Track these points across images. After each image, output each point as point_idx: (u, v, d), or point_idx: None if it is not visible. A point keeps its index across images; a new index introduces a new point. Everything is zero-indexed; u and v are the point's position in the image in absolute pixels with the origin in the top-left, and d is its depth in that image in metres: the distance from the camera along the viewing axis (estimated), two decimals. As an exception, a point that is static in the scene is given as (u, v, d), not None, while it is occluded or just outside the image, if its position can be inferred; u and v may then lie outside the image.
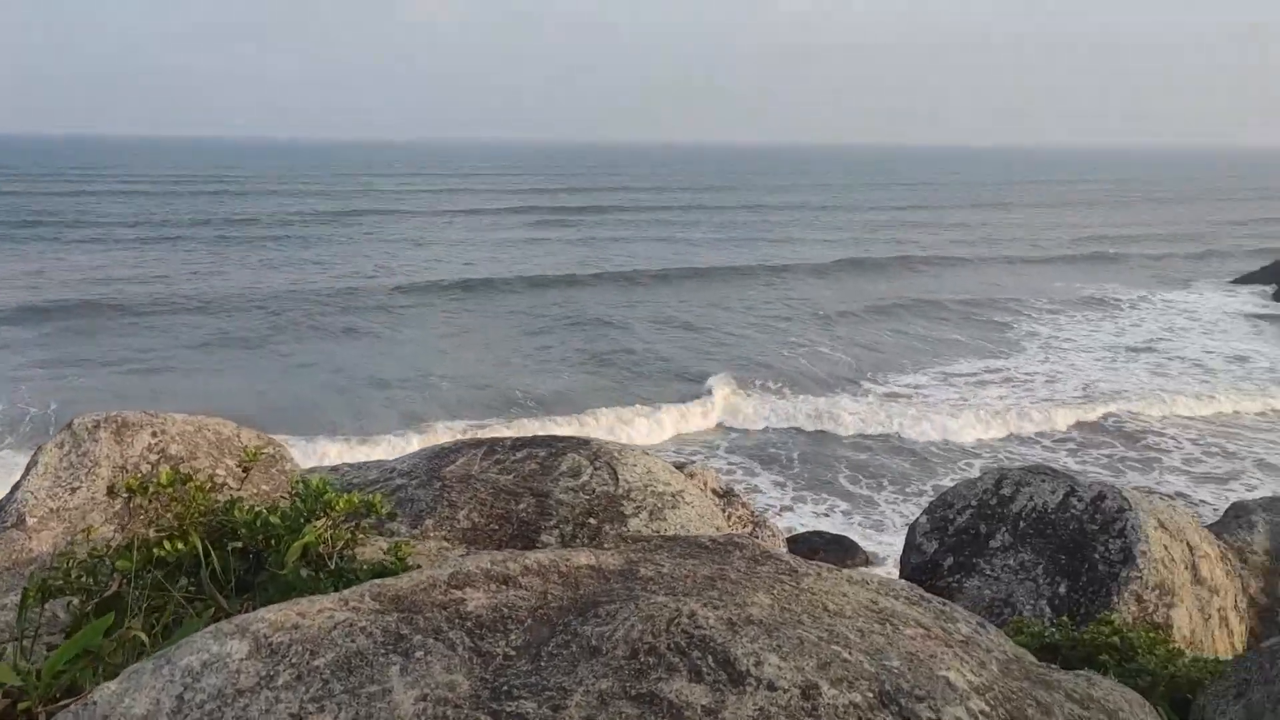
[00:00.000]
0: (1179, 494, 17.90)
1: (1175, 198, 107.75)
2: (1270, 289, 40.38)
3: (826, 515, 17.42)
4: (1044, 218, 78.45)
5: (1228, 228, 71.10)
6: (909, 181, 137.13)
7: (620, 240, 56.79)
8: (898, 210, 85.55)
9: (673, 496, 5.93)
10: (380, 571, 3.10)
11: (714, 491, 8.54)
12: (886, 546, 15.89)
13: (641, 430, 20.62)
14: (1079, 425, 21.82)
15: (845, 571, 2.93)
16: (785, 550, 8.79)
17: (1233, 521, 8.90)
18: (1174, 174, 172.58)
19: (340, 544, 3.24)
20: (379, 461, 7.14)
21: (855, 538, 16.18)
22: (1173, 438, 20.98)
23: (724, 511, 7.94)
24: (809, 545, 15.43)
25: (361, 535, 3.55)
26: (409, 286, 37.28)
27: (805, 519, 17.15)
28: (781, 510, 17.55)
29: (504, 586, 2.31)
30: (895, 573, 8.93)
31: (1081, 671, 2.60)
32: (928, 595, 2.97)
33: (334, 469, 6.69)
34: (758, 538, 8.03)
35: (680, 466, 8.27)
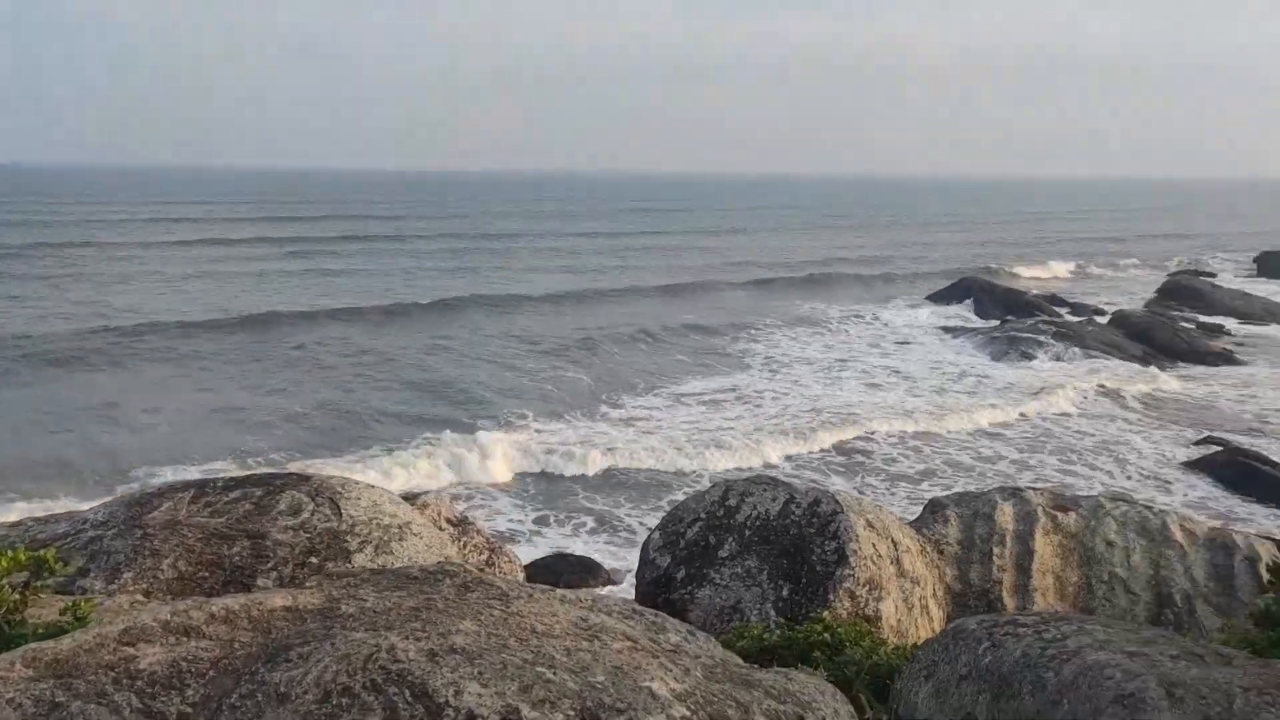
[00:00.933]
0: (888, 493, 19.44)
1: (875, 223, 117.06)
2: (964, 306, 44.70)
3: (574, 537, 17.56)
4: (764, 242, 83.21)
5: (919, 249, 78.32)
6: (636, 208, 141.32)
7: (348, 273, 55.09)
8: (629, 236, 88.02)
9: (399, 529, 5.76)
10: (54, 634, 2.80)
11: (448, 521, 8.38)
12: (634, 564, 16.21)
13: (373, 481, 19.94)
14: (811, 436, 23.23)
15: (559, 592, 2.93)
16: (523, 576, 8.75)
17: (930, 517, 9.72)
18: (874, 200, 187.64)
19: (4, 608, 2.90)
20: (70, 513, 6.49)
21: (603, 558, 16.40)
22: (881, 443, 22.76)
23: (458, 541, 7.81)
24: (552, 569, 15.49)
25: (35, 596, 3.20)
26: (110, 329, 34.31)
27: (556, 542, 17.23)
28: (531, 536, 17.55)
29: (184, 638, 2.14)
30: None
31: (782, 669, 2.72)
32: (641, 609, 3.02)
33: (15, 524, 6.02)
34: (494, 565, 7.96)
35: (411, 497, 8.06)
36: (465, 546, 7.99)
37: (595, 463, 20.90)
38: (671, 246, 77.19)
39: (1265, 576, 4.78)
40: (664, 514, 9.69)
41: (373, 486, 6.14)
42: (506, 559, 8.45)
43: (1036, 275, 59.91)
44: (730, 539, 8.80)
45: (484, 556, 8.14)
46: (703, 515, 9.10)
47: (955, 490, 12.32)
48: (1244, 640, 3.82)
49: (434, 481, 19.55)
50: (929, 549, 9.26)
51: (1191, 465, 21.40)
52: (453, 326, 37.48)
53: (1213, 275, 56.92)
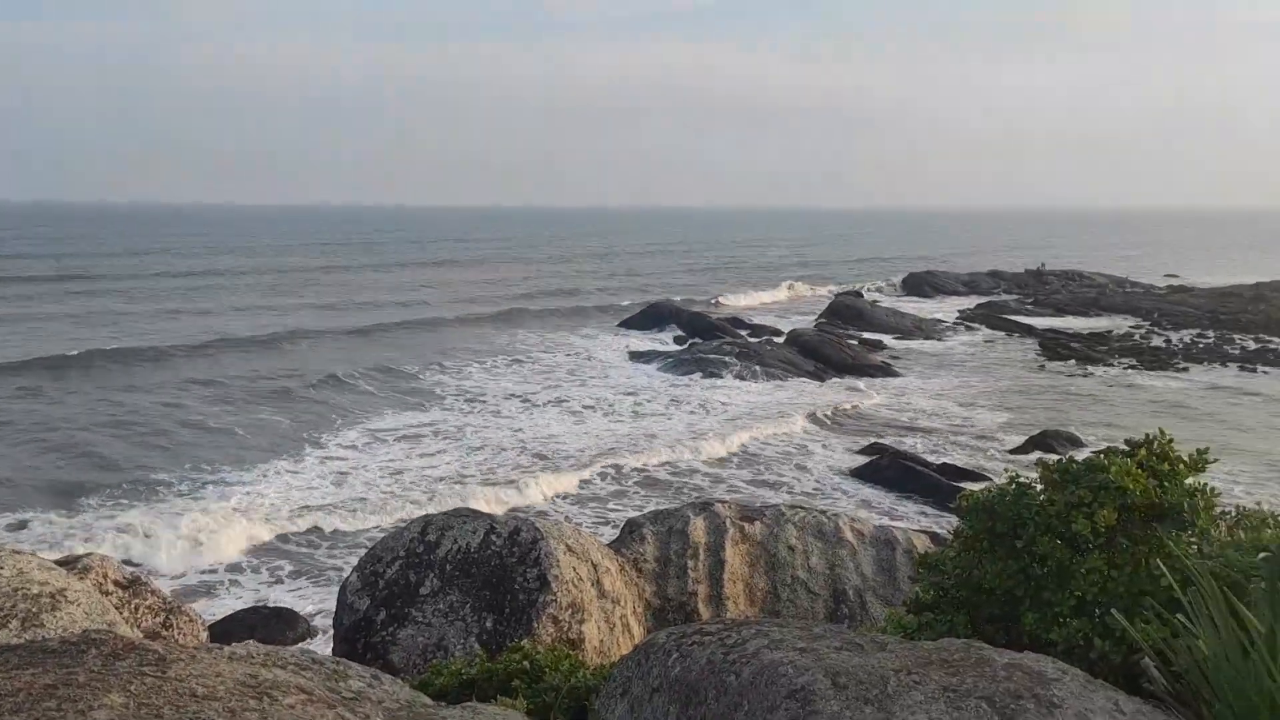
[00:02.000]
0: (589, 514, 19.85)
1: (573, 253, 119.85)
2: (655, 331, 46.58)
3: (275, 585, 16.57)
4: (465, 275, 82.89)
5: (620, 278, 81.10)
6: (334, 242, 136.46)
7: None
8: (324, 271, 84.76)
9: (51, 598, 5.15)
10: None
11: (116, 584, 7.62)
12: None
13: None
14: (517, 465, 23.22)
15: (227, 649, 2.72)
16: (205, 636, 8.11)
17: (628, 536, 10.00)
18: (573, 230, 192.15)
19: None
20: None
21: (305, 606, 15.59)
22: (582, 465, 23.22)
23: (128, 604, 7.11)
24: (246, 624, 14.54)
25: None
26: None
27: (255, 594, 16.17)
28: (230, 587, 16.38)
29: None
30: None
31: (472, 704, 2.68)
32: (321, 657, 2.87)
33: None
34: (172, 627, 7.33)
35: (70, 561, 7.26)
36: (137, 610, 7.30)
37: (296, 508, 19.85)
38: (360, 281, 75.15)
39: (916, 568, 5.32)
40: (363, 554, 9.35)
41: (18, 552, 5.47)
42: (186, 619, 7.81)
43: (733, 301, 63.43)
44: (432, 575, 8.61)
45: (159, 619, 7.47)
46: (402, 553, 8.86)
47: (651, 509, 12.73)
48: (898, 625, 4.19)
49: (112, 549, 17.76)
50: (628, 568, 9.52)
51: (860, 470, 23.43)
52: (120, 381, 34.29)
53: (861, 294, 62.96)
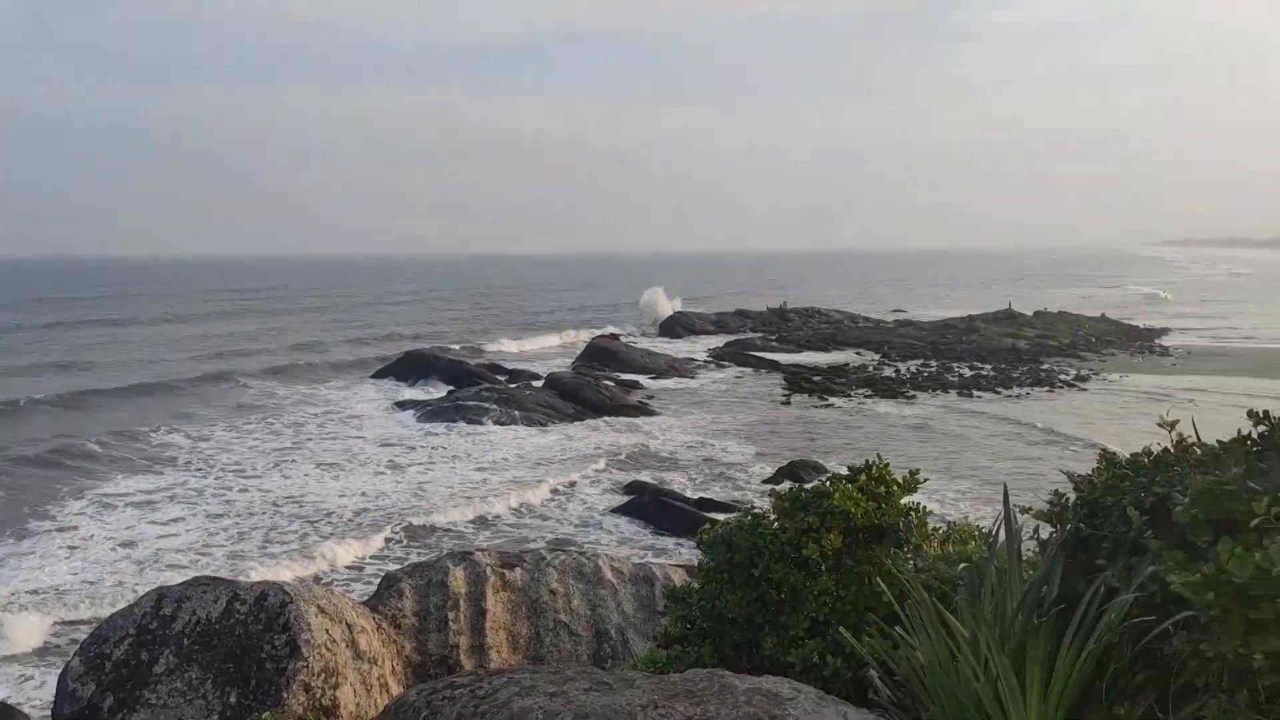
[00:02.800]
0: (348, 573, 19.08)
1: (315, 305, 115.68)
2: (412, 381, 45.54)
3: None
4: (201, 329, 78.20)
5: (371, 327, 78.93)
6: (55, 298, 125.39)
7: None
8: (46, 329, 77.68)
9: None
10: None
11: None
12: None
13: None
14: (270, 529, 21.96)
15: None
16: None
17: (385, 592, 9.68)
18: (327, 280, 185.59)
19: None
20: None
21: (25, 699, 14.04)
22: (339, 522, 22.32)
23: None
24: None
25: None
26: None
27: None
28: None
29: None
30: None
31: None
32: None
33: None
34: None
35: None
36: None
37: (10, 591, 17.93)
38: (79, 339, 69.49)
39: (665, 602, 5.46)
40: (87, 635, 8.55)
41: None
42: None
43: (492, 347, 62.80)
44: (167, 652, 8.00)
45: None
46: (133, 630, 8.18)
47: (411, 561, 12.40)
48: (649, 660, 4.28)
49: None
50: (386, 625, 9.21)
51: (621, 508, 23.81)
52: None
53: (618, 336, 64.42)
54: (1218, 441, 3.22)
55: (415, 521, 22.64)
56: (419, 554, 19.07)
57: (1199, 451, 3.42)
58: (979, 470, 27.65)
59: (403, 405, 38.88)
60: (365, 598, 10.05)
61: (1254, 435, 3.08)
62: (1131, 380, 45.05)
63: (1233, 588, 2.84)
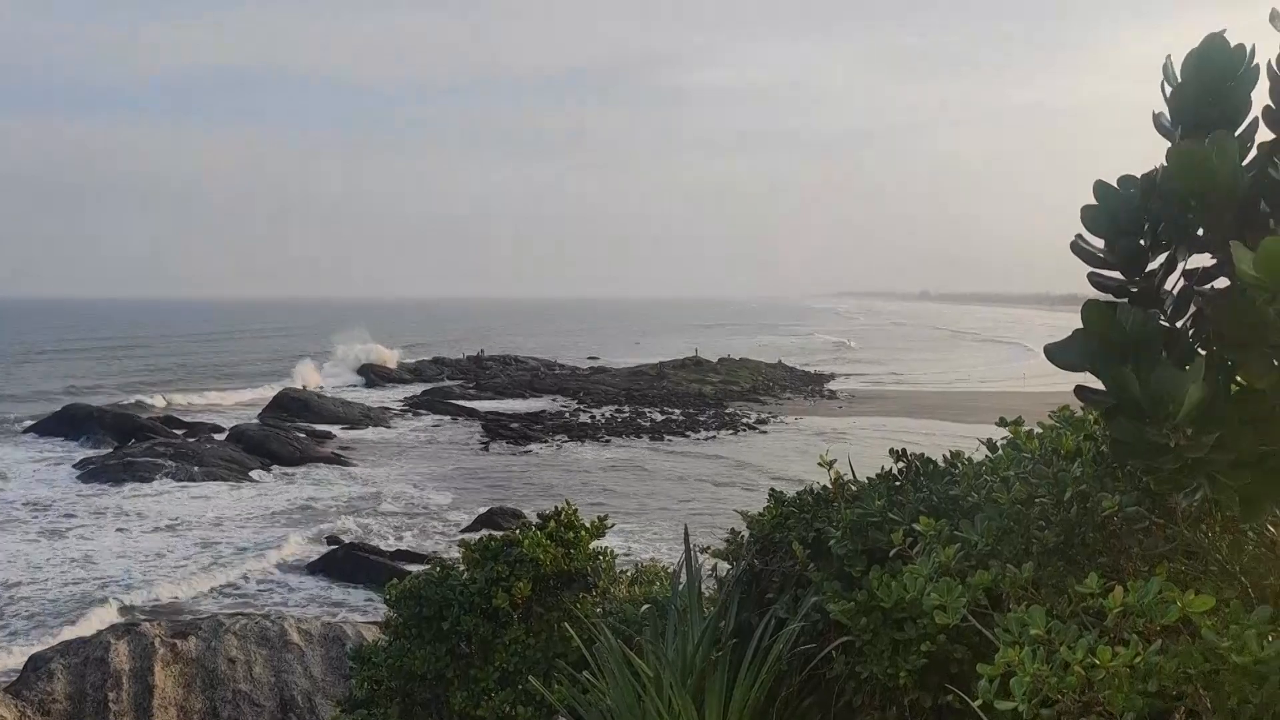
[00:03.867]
0: None
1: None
2: (72, 437, 41.04)
3: None
4: None
5: (25, 381, 70.63)
6: None
7: None
8: None
9: None
10: None
11: None
12: None
13: None
14: None
15: None
16: None
17: (31, 675, 8.62)
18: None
19: None
20: None
21: None
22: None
23: None
24: None
25: None
26: None
27: None
28: None
29: None
30: None
31: None
32: None
33: None
34: None
35: None
36: None
37: None
38: None
39: (349, 663, 5.23)
40: None
41: None
42: None
43: (172, 400, 57.51)
44: None
45: None
46: None
47: (64, 638, 11.14)
48: (333, 728, 4.06)
49: None
50: (31, 712, 8.19)
51: (315, 564, 22.64)
52: None
53: (307, 386, 61.70)
54: (867, 478, 3.53)
55: (73, 591, 20.37)
56: (70, 628, 17.12)
57: (853, 488, 3.73)
58: (670, 511, 28.78)
59: (61, 463, 35.05)
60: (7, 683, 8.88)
61: (895, 471, 3.40)
62: (805, 422, 48.70)
63: (881, 612, 3.11)
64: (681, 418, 49.37)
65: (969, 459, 3.13)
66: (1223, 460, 1.86)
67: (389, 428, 47.41)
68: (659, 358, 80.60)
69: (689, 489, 32.60)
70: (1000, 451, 2.99)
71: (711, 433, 45.34)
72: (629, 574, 4.74)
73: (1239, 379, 1.95)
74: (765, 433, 45.98)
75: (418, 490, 31.67)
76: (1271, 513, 2.12)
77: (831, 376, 72.88)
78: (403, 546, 24.27)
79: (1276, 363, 1.88)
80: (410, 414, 52.18)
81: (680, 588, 3.91)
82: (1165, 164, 1.96)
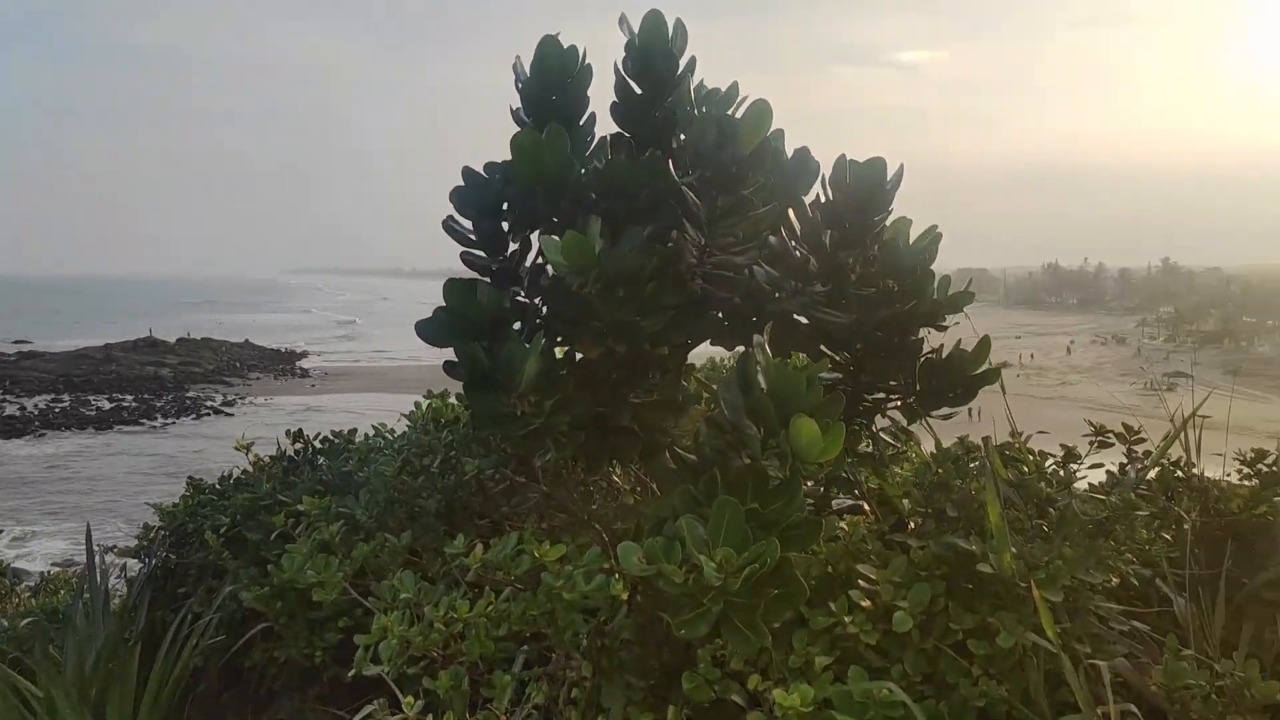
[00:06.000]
0: None
1: None
2: None
3: None
4: None
5: None
6: None
7: None
8: None
9: None
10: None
11: None
12: None
13: None
14: None
15: None
16: None
17: None
18: None
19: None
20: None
21: None
22: None
23: None
24: None
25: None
26: None
27: None
28: None
29: None
30: None
31: None
32: None
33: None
34: None
35: None
36: None
37: None
38: None
39: None
40: None
41: None
42: None
43: None
44: None
45: None
46: None
47: None
48: None
49: None
50: None
51: None
52: None
53: None
54: (267, 459, 3.46)
55: None
56: None
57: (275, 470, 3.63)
58: (116, 509, 26.11)
59: None
60: None
61: (291, 453, 3.37)
62: (278, 402, 46.85)
63: (297, 594, 3.07)
64: (135, 404, 44.95)
65: (366, 435, 3.19)
66: (562, 423, 2.10)
67: None
68: (106, 339, 72.62)
69: (138, 484, 29.78)
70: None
71: (170, 419, 41.89)
72: (32, 586, 4.22)
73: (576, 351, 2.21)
74: (232, 415, 43.49)
75: None
76: (611, 466, 2.43)
77: (304, 354, 70.83)
78: None
79: (606, 338, 2.15)
80: None
81: (85, 595, 3.54)
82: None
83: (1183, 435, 2.61)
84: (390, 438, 2.96)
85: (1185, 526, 2.31)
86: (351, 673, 2.00)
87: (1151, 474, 2.65)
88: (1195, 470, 2.52)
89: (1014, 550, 1.97)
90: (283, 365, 63.37)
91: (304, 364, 65.03)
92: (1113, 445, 2.66)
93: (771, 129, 2.31)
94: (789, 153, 2.60)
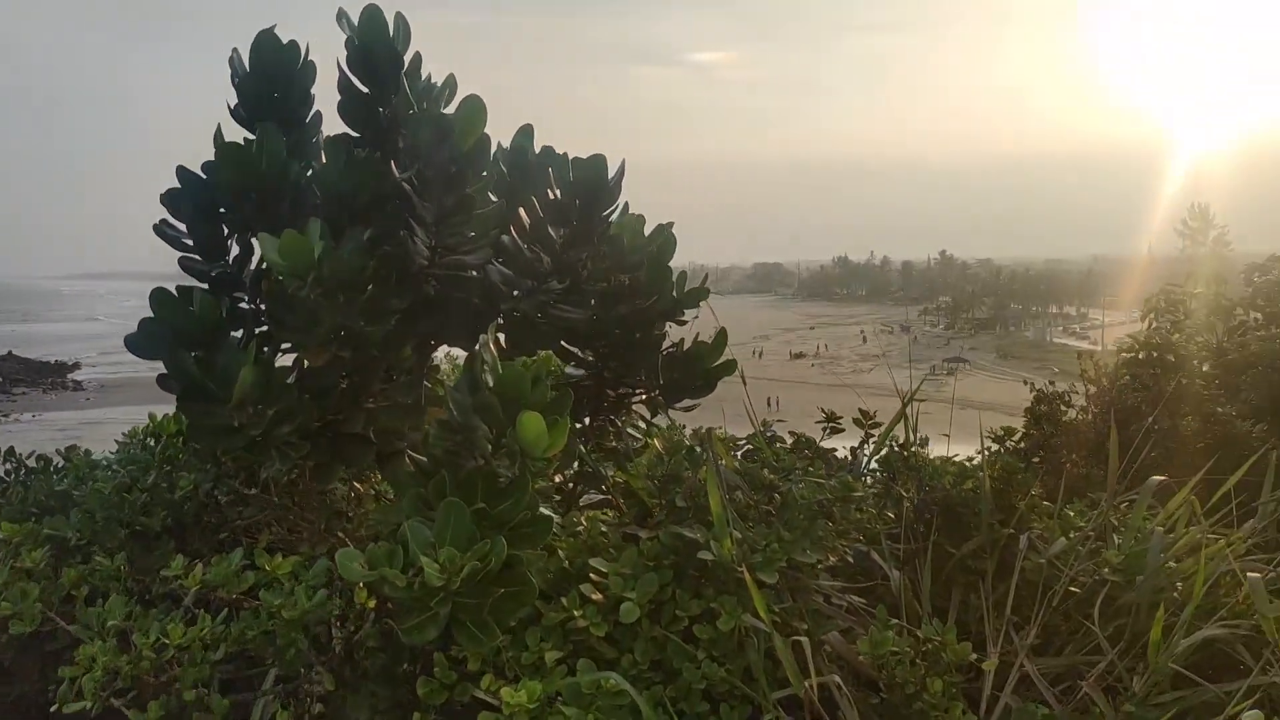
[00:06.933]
0: None
1: None
2: None
3: None
4: None
5: None
6: None
7: None
8: None
9: None
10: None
11: None
12: None
13: None
14: None
15: None
16: None
17: None
18: None
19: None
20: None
21: None
22: None
23: None
24: None
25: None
26: None
27: None
28: None
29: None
30: None
31: None
32: None
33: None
34: None
35: None
36: None
37: None
38: None
39: None
40: None
41: None
42: None
43: None
44: None
45: None
46: None
47: None
48: None
49: None
50: None
51: None
52: None
53: None
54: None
55: None
56: None
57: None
58: None
59: None
60: None
61: None
62: (49, 418, 43.54)
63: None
64: (-123, 428, 40.63)
65: (106, 453, 3.00)
66: (285, 433, 2.03)
67: None
68: None
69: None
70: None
71: (-83, 443, 38.04)
72: None
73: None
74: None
75: None
76: (341, 475, 2.38)
77: (77, 366, 65.99)
78: None
79: (331, 343, 2.09)
80: None
81: None
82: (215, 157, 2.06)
83: (905, 416, 2.79)
84: (111, 456, 2.79)
85: (904, 504, 2.47)
86: (53, 707, 1.86)
87: (880, 455, 2.82)
88: (913, 449, 2.69)
89: (736, 536, 2.06)
90: (53, 378, 58.76)
91: (76, 376, 60.55)
92: (844, 431, 2.81)
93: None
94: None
